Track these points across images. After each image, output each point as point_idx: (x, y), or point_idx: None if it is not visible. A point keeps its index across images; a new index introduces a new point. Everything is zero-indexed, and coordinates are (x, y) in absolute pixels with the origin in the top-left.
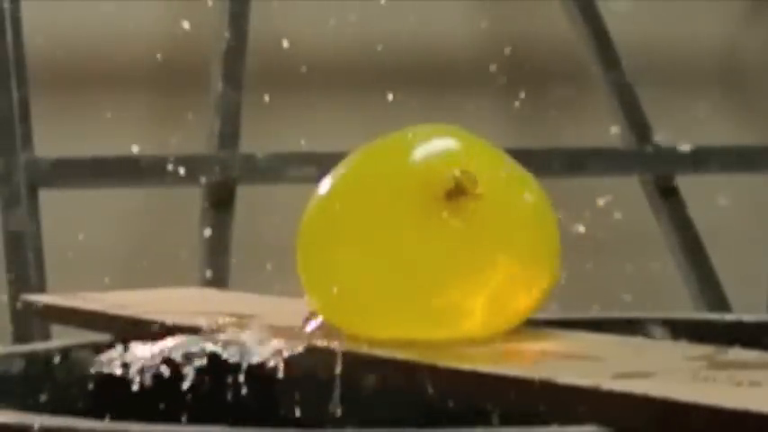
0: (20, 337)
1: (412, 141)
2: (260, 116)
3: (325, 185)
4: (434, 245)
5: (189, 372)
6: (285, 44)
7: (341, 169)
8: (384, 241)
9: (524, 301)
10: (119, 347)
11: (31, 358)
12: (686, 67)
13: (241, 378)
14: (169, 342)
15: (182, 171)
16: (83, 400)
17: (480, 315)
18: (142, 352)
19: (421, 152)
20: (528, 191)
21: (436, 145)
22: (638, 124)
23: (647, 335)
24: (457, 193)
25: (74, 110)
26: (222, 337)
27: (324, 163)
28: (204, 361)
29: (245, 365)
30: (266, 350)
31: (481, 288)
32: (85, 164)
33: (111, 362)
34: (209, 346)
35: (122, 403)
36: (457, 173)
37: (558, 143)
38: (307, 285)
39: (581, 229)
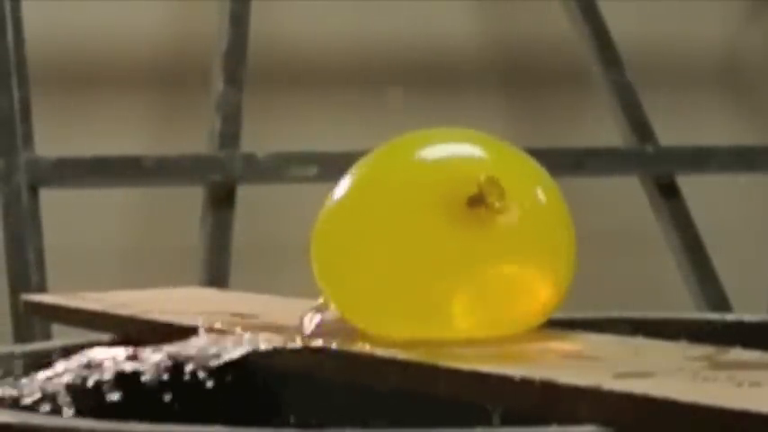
0: (20, 337)
1: (435, 143)
2: (260, 116)
3: (344, 184)
4: (451, 248)
5: (189, 371)
6: (285, 44)
7: (359, 169)
8: (401, 242)
9: (540, 306)
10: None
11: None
12: (686, 67)
13: (240, 378)
14: (169, 342)
15: (182, 171)
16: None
17: (493, 318)
18: (141, 352)
19: (445, 154)
20: (549, 195)
21: (461, 147)
22: (639, 124)
23: (645, 335)
24: (479, 201)
25: (74, 109)
26: (222, 336)
27: (324, 163)
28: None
29: (244, 365)
30: (266, 350)
31: (495, 292)
32: (86, 163)
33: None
34: (208, 346)
35: (122, 403)
36: (482, 178)
37: (558, 143)
38: (322, 282)
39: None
